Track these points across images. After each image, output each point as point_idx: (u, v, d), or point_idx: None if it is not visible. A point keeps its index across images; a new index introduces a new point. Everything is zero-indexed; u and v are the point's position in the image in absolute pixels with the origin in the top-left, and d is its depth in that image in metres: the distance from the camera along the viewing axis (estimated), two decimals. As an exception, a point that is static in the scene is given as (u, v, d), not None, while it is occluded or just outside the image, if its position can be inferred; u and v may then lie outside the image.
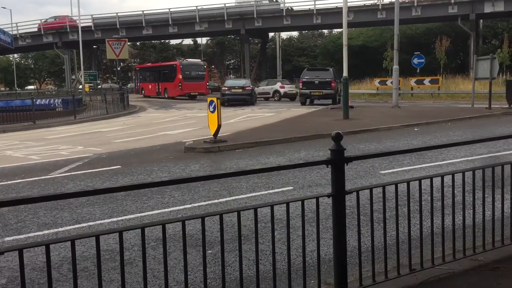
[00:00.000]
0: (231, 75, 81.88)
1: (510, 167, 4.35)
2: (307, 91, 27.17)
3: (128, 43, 31.84)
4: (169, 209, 6.59)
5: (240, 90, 30.50)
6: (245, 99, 30.15)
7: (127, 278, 4.25)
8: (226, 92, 30.50)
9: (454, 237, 4.07)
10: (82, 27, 47.32)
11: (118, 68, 32.81)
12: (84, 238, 3.12)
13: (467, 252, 4.14)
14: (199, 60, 47.52)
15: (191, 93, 39.31)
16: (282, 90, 36.91)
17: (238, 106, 28.62)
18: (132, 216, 6.36)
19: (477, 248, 4.20)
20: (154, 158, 11.16)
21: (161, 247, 2.94)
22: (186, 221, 3.01)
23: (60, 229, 5.95)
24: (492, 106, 20.69)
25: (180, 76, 39.63)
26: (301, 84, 27.45)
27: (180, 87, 39.79)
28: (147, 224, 3.02)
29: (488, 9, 41.42)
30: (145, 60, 79.93)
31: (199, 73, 40.84)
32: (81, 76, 47.34)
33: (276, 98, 36.25)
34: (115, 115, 25.93)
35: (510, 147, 10.36)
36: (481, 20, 47.84)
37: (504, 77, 33.92)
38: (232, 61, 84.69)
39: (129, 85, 65.67)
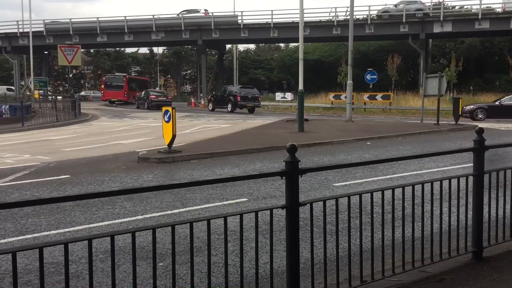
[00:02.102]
0: (187, 85, 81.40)
1: (457, 181, 4.50)
2: (244, 102, 35.94)
3: (82, 50, 31.07)
4: (120, 220, 6.41)
5: (164, 98, 42.94)
6: (168, 104, 37.04)
7: (73, 292, 4.08)
8: (154, 99, 41.72)
9: (403, 249, 4.15)
10: (33, 32, 45.86)
11: (70, 75, 31.85)
12: (27, 250, 2.96)
13: (416, 264, 4.22)
14: (121, 74, 57.45)
15: (111, 99, 50.62)
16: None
17: (194, 118, 28.46)
18: (80, 227, 6.13)
19: (425, 260, 4.30)
20: (106, 168, 10.86)
21: (110, 260, 2.83)
22: (136, 233, 2.91)
23: (2, 240, 5.66)
24: (440, 122, 21.49)
25: (103, 86, 53.40)
26: (239, 97, 35.79)
27: (102, 94, 53.50)
28: (95, 235, 2.91)
29: (437, 29, 43.24)
30: (99, 68, 78.32)
31: (119, 84, 51.73)
32: (30, 82, 45.78)
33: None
34: (66, 123, 25.17)
35: (456, 161, 10.76)
36: (431, 40, 49.85)
37: (451, 94, 35.40)
38: (189, 71, 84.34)
39: (82, 92, 64.04)
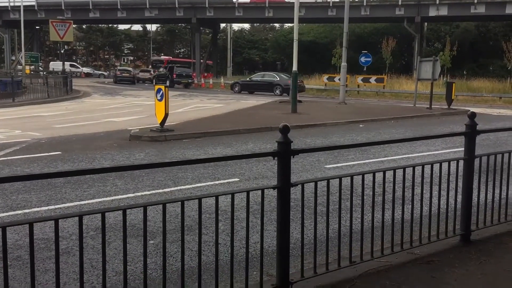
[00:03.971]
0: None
1: (447, 165, 4.52)
2: (179, 79, 40.34)
3: (74, 26, 30.64)
4: (111, 198, 6.40)
5: (128, 74, 48.25)
6: (131, 80, 47.51)
7: (63, 268, 4.09)
8: (119, 75, 47.90)
9: (393, 231, 4.19)
10: (24, 6, 45.08)
11: (62, 51, 31.44)
12: (17, 225, 2.95)
13: (405, 246, 4.27)
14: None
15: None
16: None
17: (187, 97, 28.33)
18: (71, 204, 6.12)
19: (414, 242, 4.35)
20: (97, 145, 10.81)
21: (100, 237, 2.83)
22: (127, 211, 2.91)
23: (-8, 216, 5.64)
24: (432, 106, 21.55)
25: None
26: (175, 75, 40.38)
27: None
28: (86, 212, 2.90)
29: (432, 12, 43.03)
30: (91, 44, 77.38)
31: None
32: (21, 57, 45.18)
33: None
34: (57, 100, 24.94)
35: (447, 145, 10.82)
36: (426, 23, 49.63)
37: (444, 79, 35.43)
38: (182, 50, 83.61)
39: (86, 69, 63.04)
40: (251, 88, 34.29)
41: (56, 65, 54.38)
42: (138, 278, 4.03)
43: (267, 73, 37.55)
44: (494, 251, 4.46)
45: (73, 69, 58.05)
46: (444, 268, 4.05)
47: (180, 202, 3.06)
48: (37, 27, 58.53)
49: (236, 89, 34.97)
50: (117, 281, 3.97)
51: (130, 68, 56.32)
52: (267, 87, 33.56)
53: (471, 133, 4.57)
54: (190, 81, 41.69)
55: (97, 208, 5.47)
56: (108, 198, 6.38)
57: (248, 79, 36.53)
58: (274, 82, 33.54)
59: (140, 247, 4.50)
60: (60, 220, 2.70)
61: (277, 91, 32.74)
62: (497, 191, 4.95)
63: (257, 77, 35.70)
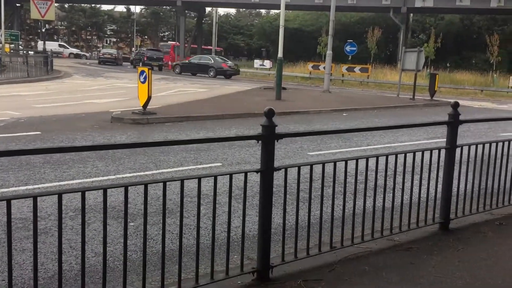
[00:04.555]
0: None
1: (429, 154, 4.56)
2: (150, 62, 39.50)
3: (56, 4, 29.97)
4: (91, 179, 6.31)
5: (109, 56, 48.85)
6: (115, 62, 48.01)
7: (41, 248, 4.04)
8: (102, 56, 49.01)
9: (373, 218, 4.22)
10: (4, -18, 43.80)
11: (43, 30, 30.76)
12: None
13: (385, 233, 4.31)
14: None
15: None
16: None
17: (171, 81, 28.09)
18: (50, 184, 6.02)
19: (394, 229, 4.39)
20: (78, 126, 10.65)
21: (80, 218, 2.78)
22: (108, 192, 2.86)
23: (-32, 195, 5.53)
24: (416, 97, 21.71)
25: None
26: (146, 57, 41.49)
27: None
28: (65, 190, 2.85)
29: (419, 3, 43.19)
30: (73, 24, 75.99)
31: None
32: (1, 35, 44.14)
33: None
34: (37, 79, 24.46)
35: (429, 136, 10.93)
36: (411, 14, 49.83)
37: (428, 70, 35.70)
38: (167, 33, 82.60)
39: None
40: (190, 70, 36.01)
41: (48, 45, 54.04)
42: (118, 259, 4.00)
43: (203, 56, 39.82)
44: (471, 239, 4.53)
45: (61, 49, 58.08)
46: (423, 255, 4.10)
47: (162, 184, 3.02)
48: (17, 4, 57.12)
49: (177, 70, 36.35)
50: (96, 262, 3.93)
51: (112, 50, 56.08)
52: (203, 69, 35.41)
53: (454, 123, 4.61)
54: (160, 63, 42.16)
55: (78, 187, 5.41)
56: (88, 179, 6.29)
57: (187, 61, 38.01)
58: (209, 65, 35.41)
59: (120, 229, 4.46)
60: (38, 200, 2.64)
61: (211, 73, 34.77)
62: (476, 181, 5.02)
63: (195, 59, 37.55)
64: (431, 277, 3.66)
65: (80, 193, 2.75)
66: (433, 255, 4.11)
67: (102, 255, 2.87)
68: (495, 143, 5.10)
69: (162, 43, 63.13)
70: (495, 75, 36.77)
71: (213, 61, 35.91)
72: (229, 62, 37.72)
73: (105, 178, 6.42)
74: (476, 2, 41.98)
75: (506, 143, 5.16)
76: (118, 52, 54.99)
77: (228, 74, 35.20)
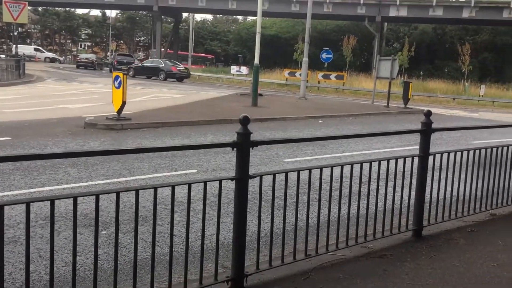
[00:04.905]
0: (140, 52, 79.41)
1: (403, 161, 4.61)
2: (120, 66, 40.25)
3: (29, 8, 29.45)
4: (63, 186, 6.18)
5: (87, 60, 49.47)
6: (92, 66, 48.37)
7: (9, 257, 3.92)
8: (79, 60, 49.83)
9: (348, 225, 4.23)
10: (-24, -16, 42.87)
11: (15, 33, 30.11)
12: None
13: (359, 240, 4.32)
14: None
15: None
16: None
17: (147, 86, 27.86)
18: (19, 191, 5.86)
19: (368, 236, 4.41)
20: (50, 132, 10.43)
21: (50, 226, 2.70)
22: (80, 199, 2.79)
23: None
24: (390, 104, 22.03)
25: None
26: (116, 62, 42.92)
27: None
28: (34, 199, 2.76)
29: (393, 13, 44.00)
30: (46, 28, 74.81)
31: None
32: (-29, 38, 43.10)
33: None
34: (9, 83, 23.93)
35: (403, 143, 11.08)
36: (386, 23, 50.70)
37: (402, 78, 36.33)
38: (143, 38, 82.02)
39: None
40: (143, 73, 37.43)
41: (24, 49, 53.77)
42: (89, 269, 3.91)
43: (155, 59, 42.21)
44: (443, 246, 4.59)
45: (35, 53, 57.69)
46: (396, 262, 4.13)
47: (134, 192, 2.97)
48: (-11, 6, 55.95)
49: (131, 73, 37.08)
50: (66, 271, 3.83)
51: (91, 55, 56.23)
52: (154, 72, 36.94)
53: (426, 131, 4.67)
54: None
55: (47, 195, 5.27)
56: (59, 187, 6.16)
57: (141, 64, 40.04)
58: (159, 68, 37.02)
59: (92, 237, 4.36)
60: (6, 208, 2.56)
61: (161, 76, 36.39)
62: (448, 188, 5.09)
63: (147, 63, 39.91)
64: (404, 284, 3.69)
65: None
66: (406, 262, 4.14)
67: (72, 265, 2.80)
68: (466, 151, 5.19)
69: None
70: (466, 83, 37.65)
71: (163, 65, 37.46)
72: (179, 66, 38.92)
73: (77, 185, 6.29)
74: (448, 12, 43.01)
75: (477, 151, 5.25)
76: (97, 56, 54.73)
77: (177, 77, 36.73)
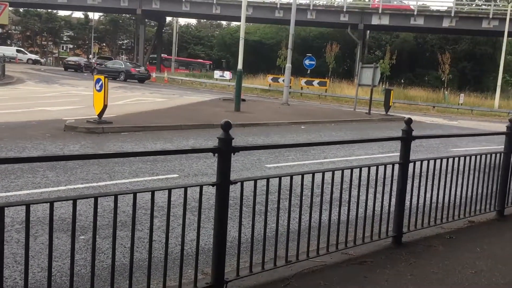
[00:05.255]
0: (123, 56, 78.89)
1: (383, 168, 4.64)
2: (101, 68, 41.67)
3: (10, 8, 29.00)
4: (41, 190, 6.07)
5: (74, 63, 49.37)
6: (79, 68, 48.08)
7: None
8: (67, 62, 49.82)
9: (329, 232, 4.23)
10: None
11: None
12: None
13: (340, 246, 4.33)
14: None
15: None
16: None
17: (129, 89, 27.64)
18: (-4, 195, 5.74)
19: (348, 243, 4.42)
20: (29, 134, 10.26)
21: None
22: (58, 204, 2.74)
23: None
24: (371, 111, 22.24)
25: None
26: (96, 64, 44.61)
27: None
28: (8, 203, 2.70)
29: (375, 21, 44.51)
30: (27, 29, 73.86)
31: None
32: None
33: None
34: (-12, 85, 23.54)
35: (384, 150, 11.18)
36: (368, 31, 51.25)
37: (383, 86, 36.72)
38: (126, 41, 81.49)
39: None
40: (105, 73, 39.75)
41: (6, 50, 53.45)
42: (66, 274, 3.83)
43: (116, 61, 45.53)
44: (423, 253, 4.62)
45: (15, 55, 57.20)
46: (376, 268, 4.14)
47: (113, 196, 2.92)
48: (-32, 6, 54.98)
49: (94, 73, 40.38)
50: (43, 277, 3.75)
51: (78, 58, 56.22)
52: (115, 73, 38.08)
53: (406, 139, 4.71)
54: None
55: (23, 200, 5.18)
56: (37, 190, 6.05)
57: (103, 65, 41.77)
58: (120, 69, 38.69)
59: (70, 242, 4.29)
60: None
61: (121, 77, 37.90)
62: (428, 195, 5.14)
63: (109, 64, 42.05)
64: (384, 291, 3.70)
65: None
66: (386, 268, 4.15)
67: (47, 270, 2.74)
68: (445, 159, 5.25)
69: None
70: (446, 92, 38.24)
71: (123, 66, 39.41)
72: (139, 68, 40.78)
73: (55, 189, 6.19)
74: (429, 22, 43.68)
75: (456, 159, 5.32)
76: (84, 60, 54.60)
77: (137, 78, 38.33)
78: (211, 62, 59.14)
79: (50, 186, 6.29)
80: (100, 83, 11.47)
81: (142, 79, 38.55)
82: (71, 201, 2.79)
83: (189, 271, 3.89)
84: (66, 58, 57.49)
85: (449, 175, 5.26)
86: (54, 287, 3.61)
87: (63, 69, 49.23)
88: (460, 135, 6.46)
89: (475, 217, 5.76)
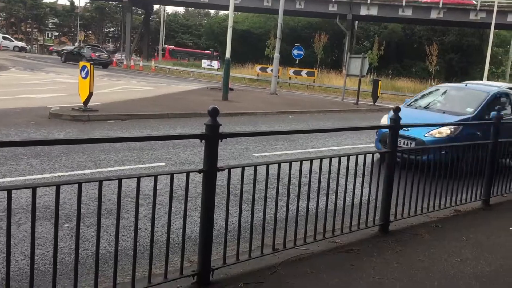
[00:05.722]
0: (110, 44, 78.05)
1: (371, 157, 4.63)
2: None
3: (-7, -7, 28.42)
4: (24, 178, 5.97)
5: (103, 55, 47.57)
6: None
7: (-37, 251, 3.74)
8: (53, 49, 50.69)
9: (316, 220, 4.22)
10: None
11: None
12: None
13: (327, 235, 4.32)
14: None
15: None
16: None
17: (115, 77, 27.36)
18: (-22, 182, 5.63)
19: (336, 231, 4.42)
20: (12, 121, 10.09)
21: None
22: (42, 191, 2.68)
23: None
24: (359, 102, 22.28)
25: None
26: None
27: None
28: (-11, 190, 2.63)
29: (364, 11, 44.47)
30: (12, 16, 72.54)
31: None
32: None
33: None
34: (-29, 71, 23.10)
35: (372, 139, 11.19)
36: (357, 22, 51.20)
37: (371, 76, 36.78)
38: (112, 29, 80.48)
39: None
40: (71, 59, 39.57)
41: None
42: (50, 262, 3.77)
43: (82, 46, 45.91)
44: (409, 241, 4.64)
45: (6, 42, 56.61)
46: (363, 256, 4.15)
47: (98, 183, 2.87)
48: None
49: (63, 58, 41.57)
50: (26, 265, 3.69)
51: (71, 47, 55.86)
52: (80, 58, 38.56)
53: (395, 127, 4.70)
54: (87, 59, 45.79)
55: (4, 185, 5.10)
56: (20, 178, 5.94)
57: (70, 51, 43.24)
58: (82, 54, 38.80)
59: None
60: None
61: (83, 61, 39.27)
62: (415, 184, 5.15)
63: (76, 49, 43.21)
64: (371, 279, 3.70)
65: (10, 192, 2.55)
66: (373, 257, 4.16)
67: (30, 258, 2.68)
68: (432, 148, 5.25)
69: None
70: (433, 83, 38.44)
71: (85, 51, 40.10)
72: (100, 53, 41.54)
73: (39, 176, 6.09)
74: (417, 13, 43.76)
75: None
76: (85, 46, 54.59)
77: (96, 63, 40.23)
78: (218, 53, 58.13)
79: (34, 173, 6.19)
80: (86, 70, 11.30)
81: (102, 64, 38.77)
82: (55, 189, 2.73)
83: (175, 259, 3.86)
84: (64, 47, 57.23)
85: (436, 165, 5.27)
86: (38, 275, 3.55)
87: (49, 56, 49.31)
88: (443, 124, 6.50)
89: (461, 206, 5.80)
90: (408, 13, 43.62)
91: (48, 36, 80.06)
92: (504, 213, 6.02)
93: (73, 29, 74.81)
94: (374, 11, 44.26)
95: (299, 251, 4.08)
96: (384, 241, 4.58)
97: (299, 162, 4.03)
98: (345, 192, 4.44)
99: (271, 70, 28.09)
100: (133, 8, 52.86)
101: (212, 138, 3.26)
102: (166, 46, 59.94)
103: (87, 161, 7.04)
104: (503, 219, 5.76)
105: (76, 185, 2.81)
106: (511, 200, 6.50)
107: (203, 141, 3.27)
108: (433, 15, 43.15)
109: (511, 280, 3.87)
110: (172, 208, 3.30)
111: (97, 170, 6.62)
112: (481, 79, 36.54)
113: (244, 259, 3.70)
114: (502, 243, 4.87)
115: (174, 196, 3.27)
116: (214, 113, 3.28)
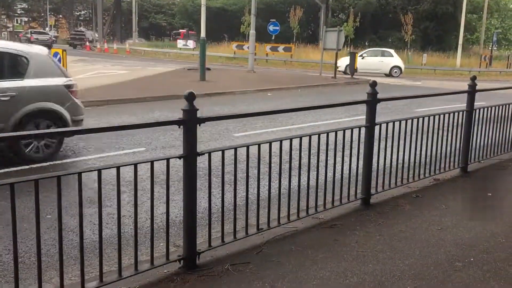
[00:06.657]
0: (81, 28, 76.29)
1: (350, 132, 4.67)
2: (72, 41, 48.79)
3: (-44, -20, 27.42)
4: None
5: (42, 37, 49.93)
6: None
7: None
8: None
9: (299, 197, 4.27)
10: None
11: None
12: None
13: (310, 211, 4.38)
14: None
15: None
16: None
17: (89, 62, 26.87)
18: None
19: (318, 207, 4.48)
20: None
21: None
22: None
23: None
24: (337, 76, 22.32)
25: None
26: (32, 38, 46.63)
27: None
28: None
29: (337, -16, 44.17)
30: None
31: None
32: None
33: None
34: None
35: (350, 113, 11.28)
36: (330, -6, 50.92)
37: (348, 49, 36.79)
38: (83, 12, 78.64)
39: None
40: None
41: None
42: (34, 255, 3.75)
43: (28, 30, 51.22)
44: (390, 213, 4.73)
45: None
46: (346, 231, 4.22)
47: (77, 175, 2.85)
48: None
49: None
50: (10, 259, 3.67)
51: (51, 33, 55.00)
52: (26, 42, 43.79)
53: (372, 101, 4.74)
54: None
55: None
56: (-1, 171, 5.86)
57: (28, 35, 47.98)
58: (26, 37, 44.06)
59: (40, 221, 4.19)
60: None
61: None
62: (394, 156, 5.23)
63: (35, 35, 48.21)
64: (354, 252, 3.78)
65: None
66: (356, 230, 4.24)
67: (13, 250, 2.67)
68: (410, 120, 5.33)
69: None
70: (409, 52, 38.67)
71: (29, 35, 45.23)
72: (39, 35, 46.97)
73: (18, 168, 6.01)
74: (391, -17, 43.62)
75: (421, 119, 5.40)
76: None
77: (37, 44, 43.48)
78: (193, 32, 56.77)
79: (13, 166, 6.11)
80: (58, 56, 11.08)
81: (47, 46, 40.93)
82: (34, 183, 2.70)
83: (161, 244, 3.88)
84: (72, 32, 57.64)
85: (414, 136, 5.35)
86: (23, 268, 3.54)
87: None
88: (423, 95, 6.56)
89: (440, 175, 5.92)
90: (382, -17, 43.48)
91: (17, 22, 77.88)
92: (481, 179, 6.17)
93: (42, 14, 72.90)
94: (348, -17, 43.99)
95: (284, 229, 4.13)
96: (366, 214, 4.66)
97: (279, 142, 4.05)
98: (326, 168, 4.48)
99: (248, 48, 27.89)
100: (103, -11, 51.69)
101: (190, 123, 3.25)
102: (180, 30, 57.78)
103: (66, 150, 6.96)
104: (480, 185, 5.91)
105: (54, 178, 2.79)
106: (488, 166, 6.65)
107: (181, 126, 3.26)
108: (407, -16, 43.09)
109: (490, 245, 3.99)
110: (155, 193, 3.31)
111: (77, 159, 6.57)
112: (457, 47, 36.90)
113: (229, 241, 3.73)
114: (481, 209, 5.00)
115: (156, 181, 3.27)
116: (190, 97, 3.26)
